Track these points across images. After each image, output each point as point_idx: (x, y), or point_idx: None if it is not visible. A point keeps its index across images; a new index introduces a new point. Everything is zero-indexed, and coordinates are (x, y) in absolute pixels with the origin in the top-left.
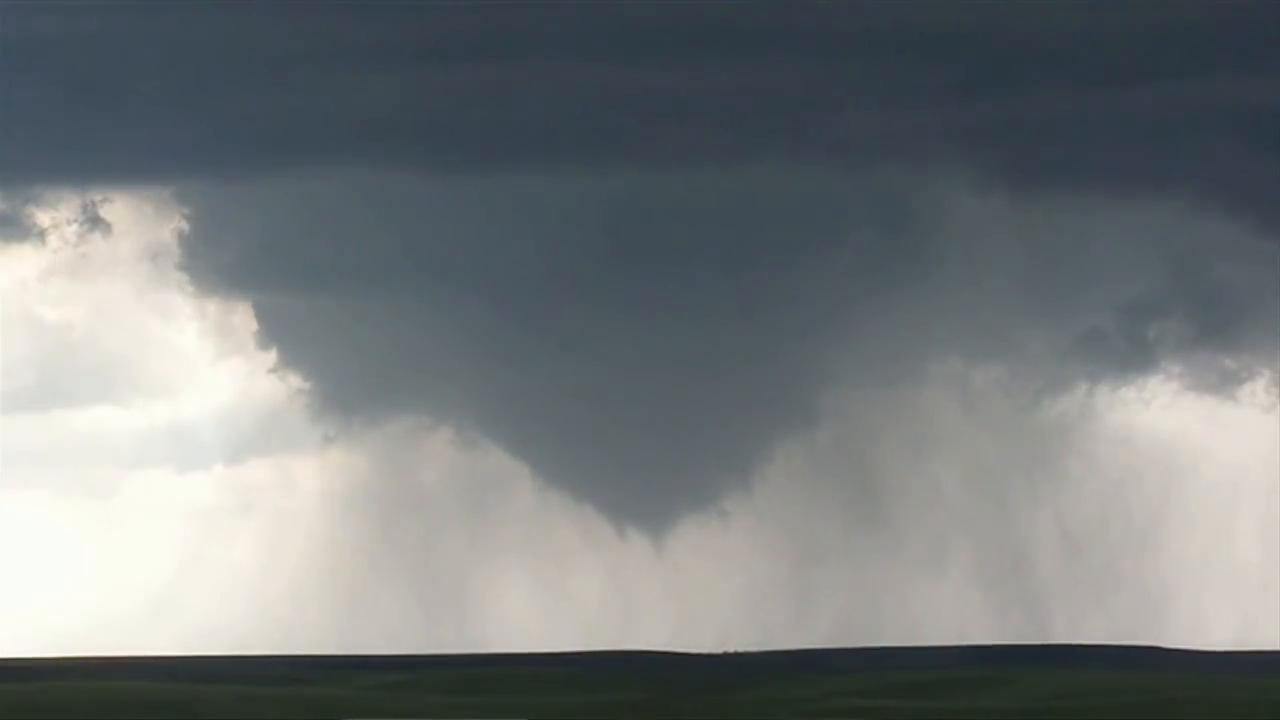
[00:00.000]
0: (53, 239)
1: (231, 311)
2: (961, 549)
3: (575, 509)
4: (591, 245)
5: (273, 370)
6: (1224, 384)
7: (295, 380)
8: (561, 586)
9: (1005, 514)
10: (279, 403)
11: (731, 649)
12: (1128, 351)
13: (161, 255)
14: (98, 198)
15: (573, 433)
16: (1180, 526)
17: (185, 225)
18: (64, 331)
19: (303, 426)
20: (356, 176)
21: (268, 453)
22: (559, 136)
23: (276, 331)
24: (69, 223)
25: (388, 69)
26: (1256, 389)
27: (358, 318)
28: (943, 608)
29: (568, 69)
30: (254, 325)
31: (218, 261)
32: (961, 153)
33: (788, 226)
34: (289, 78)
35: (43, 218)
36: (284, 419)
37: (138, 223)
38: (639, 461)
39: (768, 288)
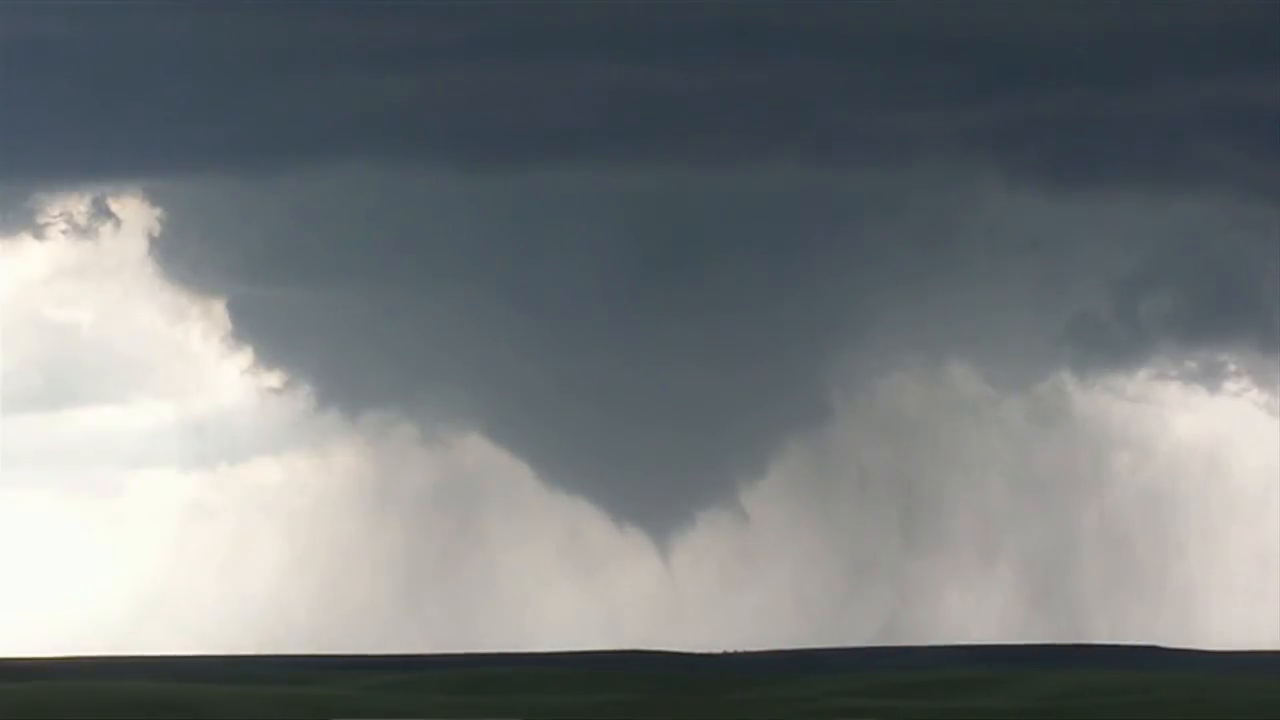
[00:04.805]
0: (52, 236)
1: (237, 311)
2: (978, 550)
3: (577, 507)
4: (604, 243)
5: (273, 369)
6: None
7: (297, 380)
8: (562, 586)
9: (1020, 512)
10: (281, 403)
11: (731, 649)
12: (1150, 349)
13: (161, 254)
14: (104, 194)
15: (575, 429)
16: (1203, 528)
17: (186, 224)
18: (67, 330)
19: (305, 427)
20: (363, 175)
21: (271, 452)
22: (570, 134)
23: (285, 331)
24: (77, 215)
25: (397, 68)
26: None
27: (364, 317)
28: (955, 608)
29: (575, 68)
30: (263, 325)
31: (217, 260)
32: (981, 152)
33: (802, 223)
34: (299, 77)
35: (44, 214)
36: (287, 419)
37: (139, 221)
38: (642, 459)
39: (781, 284)
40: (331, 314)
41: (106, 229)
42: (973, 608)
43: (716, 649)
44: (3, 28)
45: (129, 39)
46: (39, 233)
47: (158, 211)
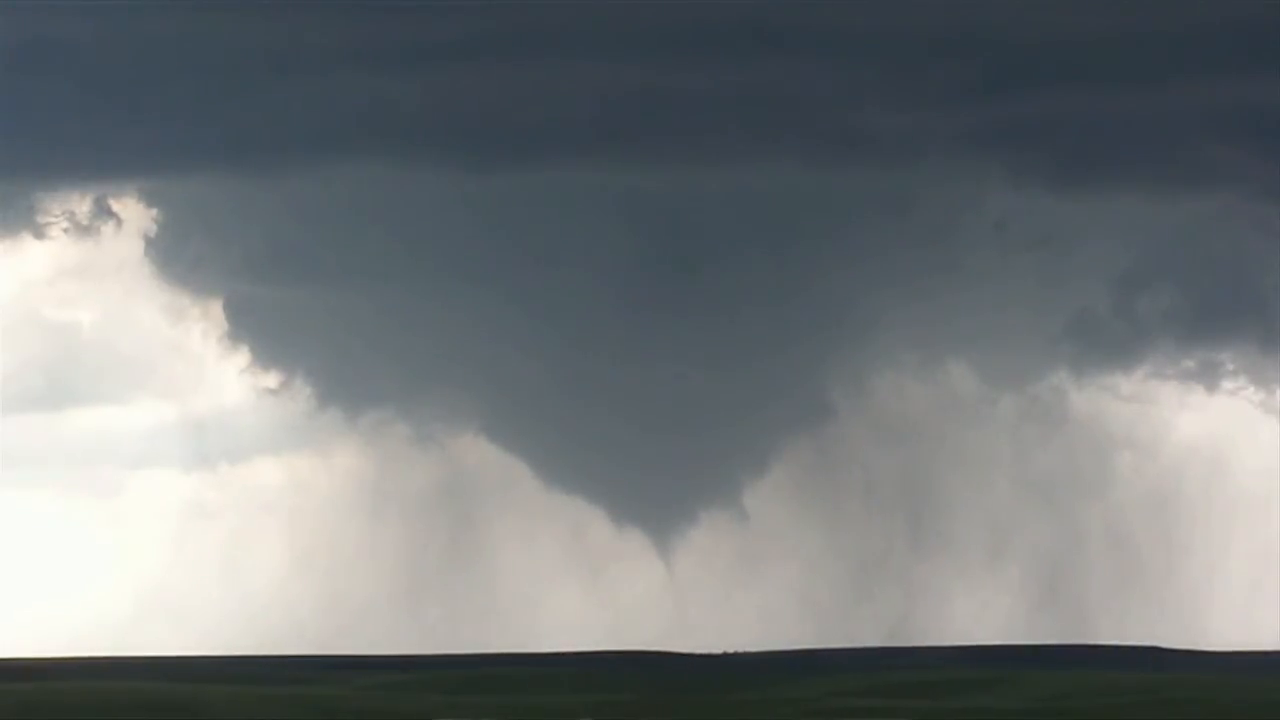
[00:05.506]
0: (53, 235)
1: (234, 311)
2: (982, 549)
3: (578, 508)
4: (605, 243)
5: (269, 370)
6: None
7: (294, 380)
8: (564, 586)
9: (1024, 513)
10: (277, 403)
11: (733, 649)
12: (1157, 351)
13: (157, 254)
14: (105, 194)
15: (576, 429)
16: (1205, 529)
17: (183, 224)
18: (64, 331)
19: (303, 427)
20: (362, 175)
21: (270, 452)
22: (570, 134)
23: (282, 331)
24: (79, 215)
25: (398, 68)
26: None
27: (363, 317)
28: (960, 608)
29: (575, 68)
30: (260, 325)
31: (214, 261)
32: (982, 152)
33: (804, 223)
34: (299, 77)
35: (45, 213)
36: (284, 419)
37: (137, 221)
38: (642, 459)
39: (783, 284)
40: (330, 314)
41: (108, 229)
42: (977, 609)
43: (718, 649)
44: (4, 28)
45: (130, 39)
46: (39, 232)
47: (154, 212)
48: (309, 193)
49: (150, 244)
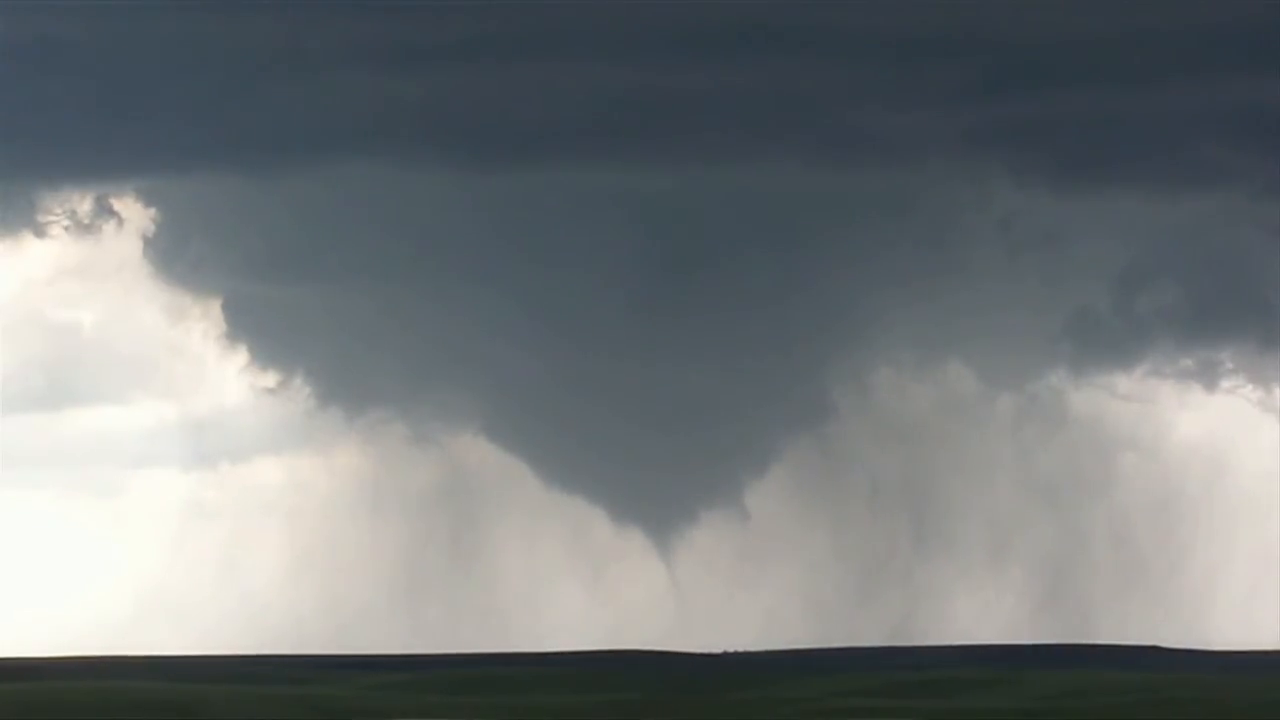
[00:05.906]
0: (54, 234)
1: (233, 311)
2: (983, 549)
3: (578, 508)
4: (606, 242)
5: (269, 369)
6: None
7: (292, 380)
8: (565, 586)
9: (1026, 512)
10: (276, 403)
11: (732, 649)
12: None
13: (156, 254)
14: (106, 193)
15: (577, 429)
16: (1206, 529)
17: (181, 224)
18: (65, 331)
19: (302, 426)
20: (363, 175)
21: (270, 451)
22: (572, 134)
23: (281, 330)
24: (80, 215)
25: (399, 69)
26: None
27: (363, 317)
28: (962, 608)
29: (576, 68)
30: (258, 325)
31: (213, 261)
32: (982, 151)
33: (806, 223)
34: (299, 77)
35: (45, 213)
36: (283, 419)
37: (136, 221)
38: (642, 459)
39: (785, 284)
40: (329, 314)
41: (109, 227)
42: (979, 608)
43: (718, 649)
44: (4, 28)
45: (130, 39)
46: (40, 230)
47: (152, 212)
48: (309, 193)
49: (149, 244)
